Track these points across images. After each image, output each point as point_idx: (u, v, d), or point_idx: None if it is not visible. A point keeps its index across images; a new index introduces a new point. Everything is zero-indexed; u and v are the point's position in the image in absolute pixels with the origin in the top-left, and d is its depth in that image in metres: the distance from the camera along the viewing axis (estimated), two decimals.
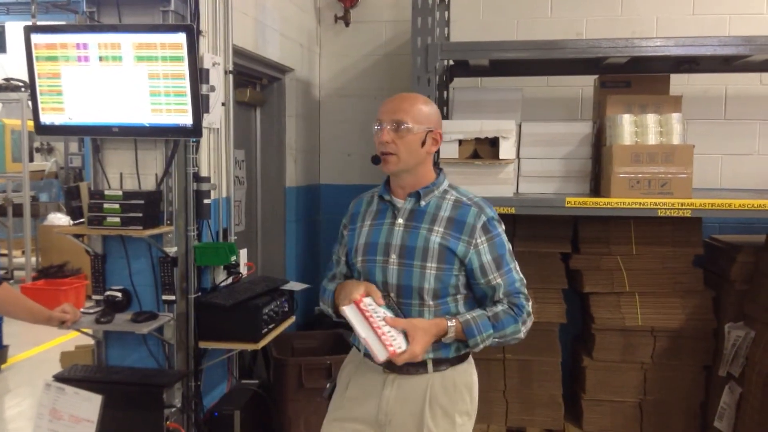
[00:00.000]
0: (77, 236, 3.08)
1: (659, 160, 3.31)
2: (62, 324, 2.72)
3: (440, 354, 2.09)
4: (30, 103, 3.15)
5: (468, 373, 2.19)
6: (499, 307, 2.06)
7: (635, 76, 3.79)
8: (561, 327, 3.95)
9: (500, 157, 3.40)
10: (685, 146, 3.33)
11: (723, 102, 4.43)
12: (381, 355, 1.91)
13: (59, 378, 2.83)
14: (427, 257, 2.03)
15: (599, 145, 3.64)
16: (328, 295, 2.21)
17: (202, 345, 3.13)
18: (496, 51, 3.63)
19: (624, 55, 3.48)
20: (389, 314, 2.02)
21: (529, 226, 3.93)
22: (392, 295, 2.07)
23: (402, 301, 2.07)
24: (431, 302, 2.06)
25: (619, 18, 4.48)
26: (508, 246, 2.13)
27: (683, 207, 3.26)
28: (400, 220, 2.09)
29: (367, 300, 2.04)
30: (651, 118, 3.40)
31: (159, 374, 3.03)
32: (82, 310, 2.97)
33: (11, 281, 7.91)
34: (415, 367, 2.08)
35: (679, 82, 4.05)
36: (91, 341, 3.24)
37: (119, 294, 3.06)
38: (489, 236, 2.07)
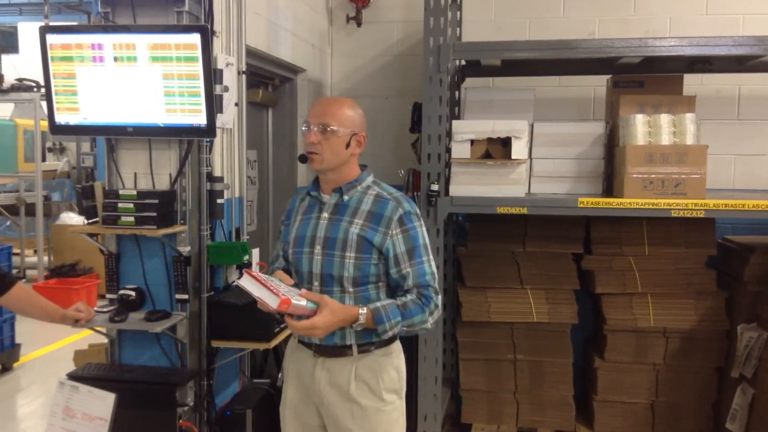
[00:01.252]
0: (91, 235, 3.10)
1: (673, 160, 3.29)
2: (76, 323, 2.74)
3: (362, 339, 2.22)
4: (43, 103, 3.17)
5: (395, 355, 2.32)
6: (408, 297, 2.18)
7: (648, 76, 3.78)
8: (572, 328, 3.94)
9: (512, 158, 3.40)
10: (699, 147, 3.32)
11: (736, 102, 4.41)
12: (272, 303, 1.98)
13: (73, 376, 2.85)
14: (346, 247, 2.18)
15: (612, 145, 3.62)
16: None
17: (215, 344, 3.14)
18: (508, 51, 3.63)
19: (637, 55, 3.46)
20: (295, 291, 2.11)
21: (540, 227, 3.92)
22: (316, 283, 2.21)
23: (324, 289, 2.20)
24: (351, 289, 2.20)
25: (632, 18, 4.47)
26: (424, 240, 2.24)
27: (696, 207, 3.25)
28: (325, 214, 2.25)
29: (266, 275, 2.14)
30: (664, 119, 3.38)
31: (172, 373, 3.04)
32: (95, 308, 2.99)
33: (23, 280, 7.96)
34: (341, 351, 2.24)
35: (693, 82, 4.03)
36: (104, 340, 3.26)
37: (133, 293, 3.07)
38: (404, 228, 2.21)
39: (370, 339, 2.23)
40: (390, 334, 2.15)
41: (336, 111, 2.22)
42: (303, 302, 2.05)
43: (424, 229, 2.25)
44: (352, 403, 2.24)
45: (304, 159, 2.23)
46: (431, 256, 2.25)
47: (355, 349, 2.23)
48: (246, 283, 2.06)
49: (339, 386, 2.25)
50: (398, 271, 2.20)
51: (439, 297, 2.23)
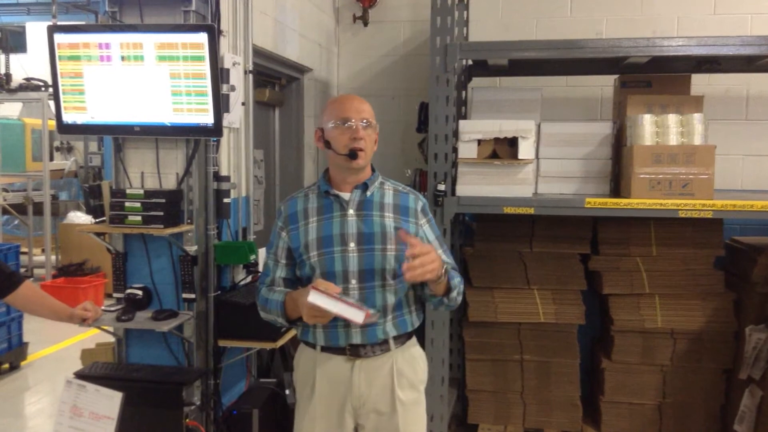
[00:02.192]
0: (99, 234, 3.11)
1: (680, 160, 3.28)
2: (83, 322, 2.74)
3: (400, 330, 2.22)
4: (51, 102, 3.18)
5: (418, 346, 2.34)
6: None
7: (656, 76, 3.76)
8: (579, 328, 3.93)
9: (519, 157, 3.39)
10: (707, 147, 3.30)
11: (745, 102, 4.39)
12: (358, 318, 1.96)
13: (80, 375, 2.86)
14: (386, 240, 2.16)
15: (619, 145, 3.61)
16: (275, 305, 2.20)
17: (222, 343, 3.15)
18: (515, 51, 3.62)
19: (645, 55, 3.45)
20: (348, 298, 2.08)
21: (548, 227, 3.91)
22: (353, 281, 2.16)
23: (364, 285, 2.16)
24: (391, 281, 2.18)
25: (640, 17, 4.45)
26: (438, 232, 2.33)
27: (704, 208, 3.23)
28: (351, 211, 2.20)
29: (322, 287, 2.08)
30: (672, 119, 3.37)
31: (179, 372, 3.04)
32: (103, 307, 3.00)
33: (31, 279, 7.99)
34: (379, 347, 2.20)
35: (700, 82, 4.02)
36: (111, 339, 3.27)
37: (140, 292, 3.08)
38: (427, 219, 2.29)
39: (406, 329, 2.24)
40: (453, 294, 2.16)
41: (369, 107, 2.23)
42: (364, 307, 2.02)
43: None
44: (396, 399, 2.22)
45: (355, 155, 2.16)
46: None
47: (392, 342, 2.22)
48: (319, 300, 1.99)
49: (381, 385, 2.22)
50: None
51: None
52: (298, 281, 2.28)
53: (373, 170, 2.29)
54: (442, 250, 2.25)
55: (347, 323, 2.12)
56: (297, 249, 2.22)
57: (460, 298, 2.23)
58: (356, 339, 2.18)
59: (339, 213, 2.21)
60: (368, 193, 2.22)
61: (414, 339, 2.32)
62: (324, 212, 2.23)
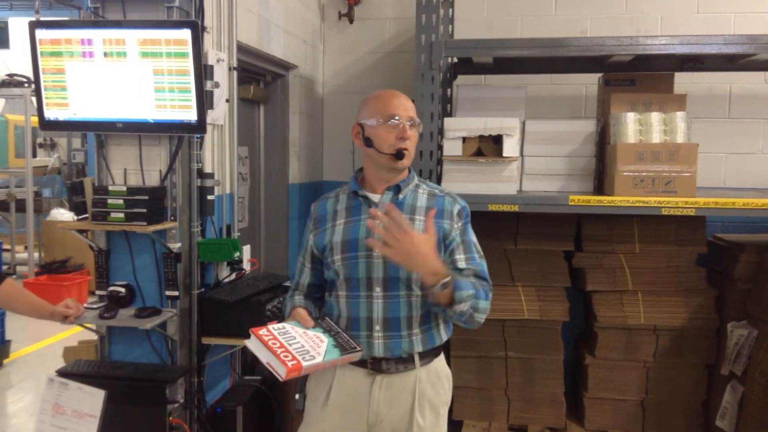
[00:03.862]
0: (81, 232, 3.09)
1: (663, 158, 3.30)
2: (65, 319, 2.72)
3: (427, 346, 2.10)
4: (33, 98, 3.15)
5: (444, 363, 2.24)
6: (474, 279, 2.06)
7: (640, 74, 3.79)
8: (563, 325, 3.95)
9: (504, 155, 3.40)
10: (690, 145, 3.33)
11: (727, 101, 4.42)
12: (280, 372, 1.83)
13: (62, 373, 2.84)
14: None
15: (603, 143, 3.63)
16: (286, 313, 2.19)
17: (205, 341, 3.13)
18: (500, 48, 3.63)
19: (629, 54, 3.47)
20: (319, 334, 1.99)
21: (532, 224, 3.93)
22: (378, 289, 2.06)
23: (389, 294, 2.07)
24: (418, 292, 2.05)
25: (624, 16, 4.48)
26: (475, 239, 2.19)
27: (687, 206, 3.26)
28: (380, 214, 2.05)
29: (279, 325, 2.00)
30: (655, 117, 3.39)
31: (162, 370, 3.03)
32: (85, 305, 2.98)
33: (14, 276, 7.92)
34: (403, 364, 2.09)
35: (684, 81, 4.05)
36: (94, 336, 3.25)
37: (123, 289, 3.06)
38: (464, 222, 2.15)
39: (433, 344, 2.11)
40: (461, 308, 1.96)
41: (413, 107, 2.13)
42: (318, 359, 1.89)
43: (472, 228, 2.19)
44: (414, 423, 2.11)
45: (402, 155, 2.05)
46: (484, 257, 2.17)
47: (417, 359, 2.10)
48: (252, 345, 1.91)
49: (401, 405, 2.11)
50: (454, 262, 2.08)
51: (491, 295, 2.09)
52: (325, 285, 2.21)
53: (409, 171, 2.17)
54: (467, 256, 2.10)
55: (370, 334, 2.06)
56: (323, 251, 2.14)
57: (479, 317, 2.02)
58: (378, 352, 2.07)
59: (367, 216, 2.08)
60: (401, 196, 2.12)
61: (441, 356, 2.20)
62: (352, 214, 2.13)
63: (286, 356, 1.84)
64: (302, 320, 2.04)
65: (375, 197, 2.13)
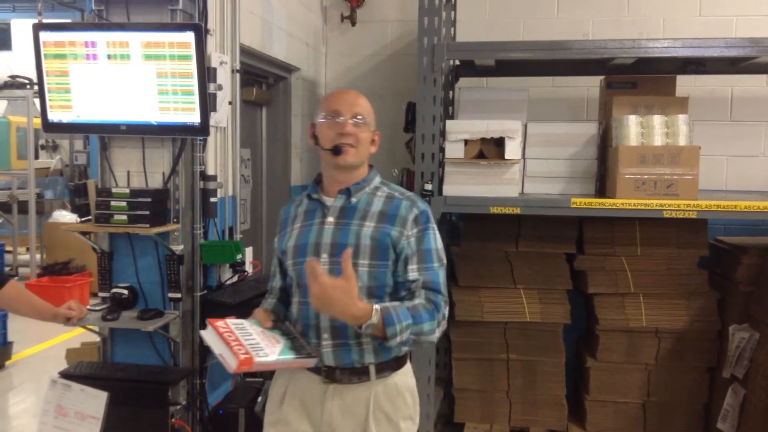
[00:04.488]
0: (84, 233, 3.10)
1: (665, 161, 3.31)
2: (68, 321, 2.72)
3: (381, 357, 2.01)
4: (36, 100, 3.16)
5: (408, 376, 2.13)
6: (417, 300, 1.95)
7: (641, 77, 3.79)
8: (565, 328, 3.95)
9: (506, 158, 3.40)
10: (692, 147, 3.33)
11: (729, 103, 4.43)
12: (231, 363, 1.80)
13: (65, 375, 2.85)
14: (358, 254, 1.96)
15: (605, 146, 3.64)
16: None
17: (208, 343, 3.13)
18: (502, 51, 3.64)
19: (631, 56, 3.47)
20: (277, 335, 1.96)
21: (533, 227, 3.93)
22: None
23: None
24: (366, 301, 1.93)
25: (626, 19, 4.48)
26: (437, 244, 2.05)
27: (689, 208, 3.26)
28: (330, 218, 2.03)
29: (238, 321, 1.98)
30: (657, 119, 3.40)
31: (164, 372, 3.04)
32: (88, 307, 2.98)
33: (16, 278, 7.93)
34: (357, 376, 2.02)
35: (685, 84, 4.05)
36: (96, 338, 3.26)
37: (125, 291, 3.07)
38: (419, 229, 2.02)
39: (389, 356, 2.01)
40: (398, 340, 1.87)
41: (365, 103, 2.07)
42: (272, 357, 1.85)
43: (437, 232, 2.06)
44: None
45: (338, 151, 1.99)
46: (444, 262, 2.05)
47: (373, 371, 2.01)
48: (208, 336, 1.90)
49: (355, 417, 2.03)
50: (407, 273, 1.99)
51: (447, 309, 2.00)
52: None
53: (370, 172, 2.12)
54: (420, 266, 1.99)
55: (318, 342, 2.00)
56: (282, 254, 2.12)
57: (428, 338, 1.93)
58: (329, 360, 2.00)
59: (319, 220, 2.05)
60: (353, 200, 2.04)
61: (404, 369, 2.10)
62: (308, 218, 2.08)
63: (239, 349, 1.81)
64: (262, 320, 2.01)
65: (329, 201, 2.07)
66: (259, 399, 3.00)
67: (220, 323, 1.92)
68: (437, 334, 1.96)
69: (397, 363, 2.07)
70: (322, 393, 2.04)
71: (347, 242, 1.97)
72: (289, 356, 1.91)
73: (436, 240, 2.05)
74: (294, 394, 2.09)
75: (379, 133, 2.14)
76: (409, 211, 2.02)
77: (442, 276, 2.03)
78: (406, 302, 1.95)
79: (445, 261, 2.07)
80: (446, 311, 2.00)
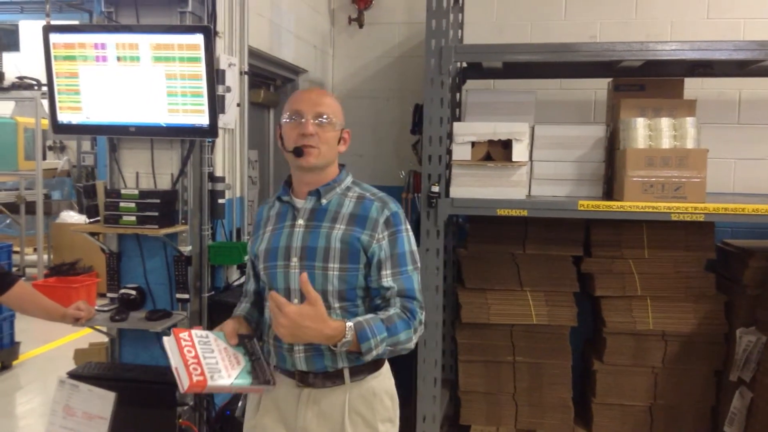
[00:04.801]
0: (93, 234, 3.11)
1: (673, 164, 3.30)
2: (76, 321, 2.74)
3: (355, 362, 1.95)
4: (44, 101, 3.18)
5: (386, 378, 2.09)
6: (392, 311, 1.91)
7: (649, 79, 3.78)
8: (572, 330, 3.94)
9: (513, 160, 3.40)
10: (699, 150, 3.32)
11: (737, 106, 4.42)
12: (184, 381, 1.78)
13: (73, 375, 2.86)
14: (329, 258, 1.92)
15: (612, 148, 3.63)
16: None
17: None
18: (509, 53, 3.63)
19: (638, 59, 3.47)
20: (239, 355, 1.92)
21: (541, 229, 3.93)
22: (296, 300, 1.92)
23: None
24: (337, 305, 1.94)
25: (634, 21, 4.48)
26: (410, 246, 2.00)
27: (696, 211, 3.25)
28: (301, 221, 1.99)
29: (204, 333, 1.94)
30: (665, 122, 3.39)
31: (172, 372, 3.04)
32: (96, 307, 3.00)
33: (23, 278, 7.96)
34: (331, 380, 1.98)
35: (693, 86, 4.04)
36: (104, 339, 3.27)
37: (134, 292, 3.08)
38: (391, 231, 1.97)
39: (363, 360, 1.92)
40: (374, 354, 1.85)
41: (330, 102, 2.00)
42: (226, 381, 1.83)
43: (411, 233, 2.02)
44: None
45: (300, 152, 1.94)
46: (418, 265, 2.02)
47: (347, 374, 1.97)
48: (168, 345, 1.85)
49: (330, 422, 1.99)
50: (380, 279, 1.94)
51: (424, 313, 1.97)
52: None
53: (341, 173, 2.06)
54: (394, 271, 1.94)
55: (290, 347, 1.95)
56: (255, 258, 2.08)
57: (404, 347, 1.92)
58: (301, 365, 1.97)
59: (290, 223, 2.00)
60: (323, 201, 1.99)
61: (380, 371, 2.05)
62: (279, 221, 2.04)
63: (195, 369, 1.78)
64: (228, 335, 1.97)
65: (299, 203, 2.02)
66: (240, 404, 3.00)
67: (183, 335, 1.88)
68: (413, 342, 1.94)
69: (373, 366, 2.02)
70: (297, 398, 2.01)
71: (317, 245, 1.94)
72: (245, 381, 1.89)
73: (409, 242, 2.01)
74: (270, 399, 2.06)
75: (349, 131, 2.06)
76: (380, 213, 1.97)
77: (416, 280, 1.99)
78: (380, 313, 1.91)
79: (419, 263, 2.03)
80: (423, 316, 1.97)
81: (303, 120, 1.94)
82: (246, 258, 3.15)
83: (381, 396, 2.04)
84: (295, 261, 1.95)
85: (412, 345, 1.94)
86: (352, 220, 1.96)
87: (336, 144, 2.01)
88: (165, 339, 1.89)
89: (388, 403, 2.07)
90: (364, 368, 1.99)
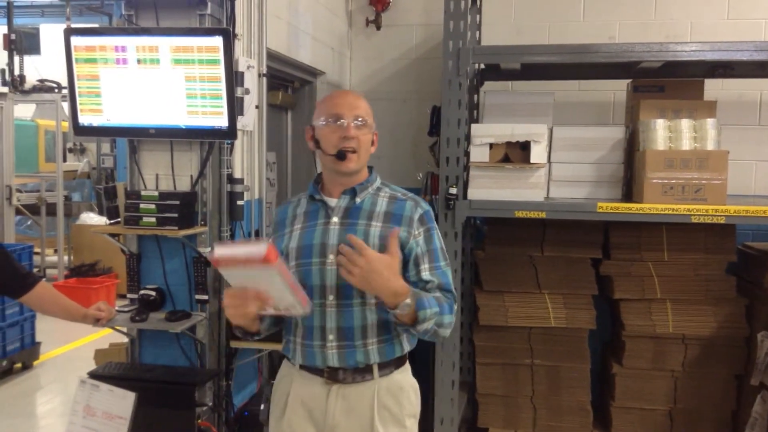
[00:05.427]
0: (113, 235, 3.14)
1: (693, 165, 3.27)
2: (97, 322, 2.77)
3: (385, 357, 2.01)
4: (64, 103, 3.21)
5: (409, 374, 2.13)
6: (437, 293, 1.99)
7: (669, 80, 3.76)
8: (590, 333, 3.92)
9: (531, 161, 3.39)
10: (720, 152, 3.29)
11: (758, 107, 4.37)
12: (261, 250, 1.67)
13: (94, 375, 2.89)
14: None
15: (631, 150, 3.61)
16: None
17: (234, 344, 3.17)
18: (527, 55, 3.62)
19: (658, 60, 3.44)
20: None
21: (559, 231, 3.91)
22: (331, 297, 1.97)
23: (342, 302, 1.98)
24: (372, 300, 1.97)
25: (653, 22, 4.45)
26: (441, 243, 2.08)
27: (717, 213, 3.22)
28: (335, 219, 2.01)
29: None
30: (685, 123, 3.37)
31: (191, 373, 3.06)
32: (117, 308, 3.02)
33: (44, 279, 8.04)
34: (361, 374, 2.01)
35: (713, 87, 4.01)
36: (124, 339, 3.30)
37: (154, 293, 3.10)
38: (425, 228, 2.05)
39: (393, 355, 2.02)
40: (425, 327, 1.89)
41: (365, 105, 2.03)
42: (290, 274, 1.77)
43: (439, 232, 2.11)
44: None
45: (343, 156, 1.97)
46: (449, 262, 2.09)
47: (376, 370, 2.01)
48: (221, 252, 1.72)
49: (360, 417, 2.01)
50: (418, 273, 2.00)
51: (457, 307, 2.04)
52: None
53: (371, 173, 2.10)
54: (431, 266, 2.01)
55: (323, 344, 1.97)
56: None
57: (444, 332, 1.97)
58: (333, 361, 1.99)
59: (323, 221, 2.03)
60: (357, 200, 2.03)
61: (405, 366, 2.10)
62: (309, 219, 2.05)
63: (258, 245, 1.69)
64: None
65: (332, 201, 2.05)
66: (263, 406, 3.02)
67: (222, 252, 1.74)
68: (449, 330, 1.99)
69: (399, 361, 2.07)
70: (325, 395, 2.02)
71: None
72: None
73: (440, 239, 2.09)
74: (297, 398, 2.07)
75: (377, 133, 2.11)
76: (414, 211, 2.04)
77: (450, 275, 2.07)
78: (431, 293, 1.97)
79: (448, 259, 2.09)
80: (456, 308, 2.03)
81: (344, 123, 1.98)
82: None
83: (407, 390, 2.09)
84: (331, 258, 1.97)
85: (448, 333, 1.99)
86: (388, 218, 2.02)
87: (369, 146, 2.06)
88: (216, 250, 1.74)
89: (413, 398, 2.11)
90: (392, 363, 2.04)
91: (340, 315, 1.98)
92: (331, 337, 1.99)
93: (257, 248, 1.68)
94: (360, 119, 2.00)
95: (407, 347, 2.08)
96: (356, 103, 2.02)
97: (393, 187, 2.13)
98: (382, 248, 1.92)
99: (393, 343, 2.03)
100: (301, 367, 2.05)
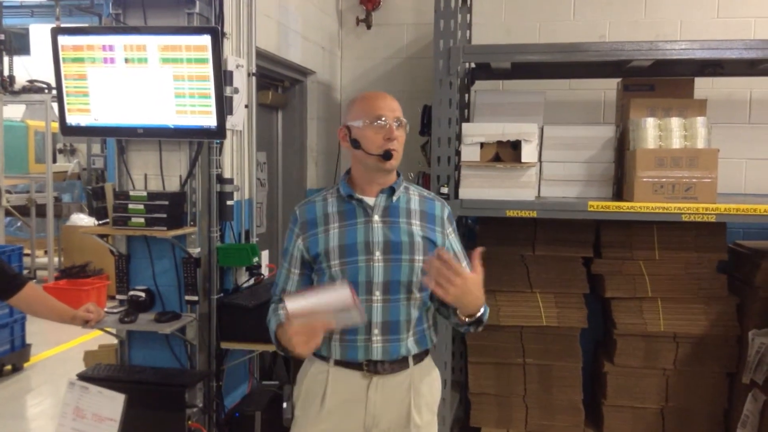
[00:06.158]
0: (102, 236, 3.12)
1: (683, 164, 3.28)
2: (86, 323, 2.75)
3: (420, 348, 2.11)
4: (54, 104, 3.19)
5: (432, 362, 2.23)
6: None
7: (659, 79, 3.76)
8: (582, 332, 3.92)
9: (522, 161, 3.39)
10: (710, 150, 3.30)
11: (748, 106, 4.39)
12: (345, 295, 1.79)
13: (83, 377, 2.87)
14: (414, 251, 2.05)
15: (622, 149, 3.61)
16: (271, 332, 2.08)
17: (224, 345, 3.15)
18: (518, 54, 3.62)
19: (648, 58, 3.45)
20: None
21: (550, 230, 3.91)
22: (377, 293, 2.03)
23: (389, 297, 2.04)
24: (417, 295, 2.07)
25: (643, 21, 4.46)
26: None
27: (707, 212, 3.23)
28: (376, 217, 2.06)
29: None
30: (675, 122, 3.37)
31: (181, 374, 3.05)
32: (106, 309, 3.01)
33: (34, 281, 7.99)
34: (398, 365, 2.09)
35: (704, 86, 4.02)
36: (114, 341, 3.27)
37: (143, 294, 3.08)
38: (453, 228, 2.19)
39: (426, 345, 2.13)
40: (484, 323, 2.04)
41: (399, 106, 2.11)
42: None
43: None
44: (411, 422, 2.10)
45: (389, 156, 2.03)
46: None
47: (411, 359, 2.10)
48: (295, 304, 1.81)
49: (397, 405, 2.10)
50: None
51: None
52: None
53: (398, 174, 2.15)
54: (466, 264, 2.10)
55: (368, 338, 2.03)
56: (316, 257, 2.08)
57: (482, 325, 2.08)
58: (376, 355, 2.05)
59: (363, 219, 2.07)
60: (394, 198, 2.09)
61: (430, 357, 2.21)
62: (347, 218, 2.08)
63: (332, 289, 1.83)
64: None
65: (369, 200, 2.09)
66: (285, 405, 3.00)
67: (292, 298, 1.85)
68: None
69: (427, 351, 2.19)
70: (365, 387, 2.08)
71: (401, 240, 2.05)
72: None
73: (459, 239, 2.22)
74: (334, 395, 2.10)
75: None
76: (442, 210, 2.17)
77: None
78: None
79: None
80: None
81: (387, 124, 2.05)
82: (254, 260, 3.20)
83: (435, 379, 2.21)
84: (378, 255, 2.04)
85: (480, 328, 2.08)
86: (423, 217, 2.12)
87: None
88: (288, 304, 1.82)
89: (438, 385, 2.24)
90: (424, 352, 2.16)
91: (386, 310, 2.05)
92: (376, 331, 2.05)
93: (339, 295, 1.80)
94: (399, 120, 2.08)
95: (435, 338, 2.20)
96: (394, 105, 2.11)
97: (414, 186, 2.21)
98: (425, 245, 2.06)
99: (426, 335, 2.14)
100: (337, 362, 2.09)
